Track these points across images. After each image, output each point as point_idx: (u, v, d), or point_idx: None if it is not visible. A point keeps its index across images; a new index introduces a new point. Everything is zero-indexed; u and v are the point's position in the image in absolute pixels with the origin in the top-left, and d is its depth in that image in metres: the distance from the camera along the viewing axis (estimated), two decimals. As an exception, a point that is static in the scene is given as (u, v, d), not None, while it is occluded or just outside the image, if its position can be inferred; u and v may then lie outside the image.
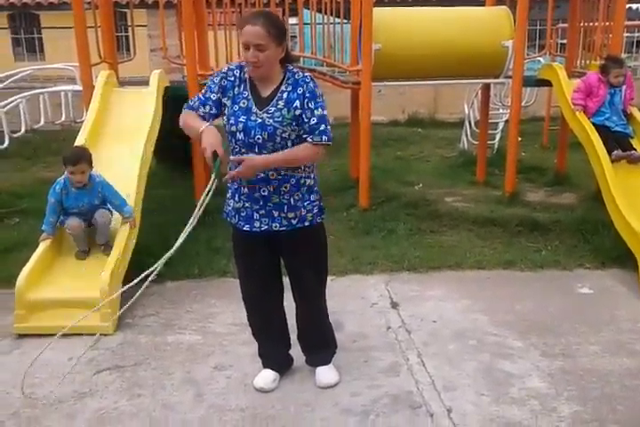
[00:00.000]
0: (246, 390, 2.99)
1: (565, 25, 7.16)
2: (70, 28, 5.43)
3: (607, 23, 5.90)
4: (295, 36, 7.22)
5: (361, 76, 5.69)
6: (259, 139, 2.65)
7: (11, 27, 15.88)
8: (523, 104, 7.15)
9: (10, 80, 8.69)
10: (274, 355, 3.10)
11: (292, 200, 2.76)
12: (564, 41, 7.02)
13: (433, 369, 3.17)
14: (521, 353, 3.33)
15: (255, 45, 2.56)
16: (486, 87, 7.02)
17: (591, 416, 2.77)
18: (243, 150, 2.69)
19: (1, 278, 4.25)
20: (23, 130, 8.28)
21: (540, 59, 8.01)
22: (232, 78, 2.72)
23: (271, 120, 2.64)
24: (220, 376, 3.13)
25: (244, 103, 2.69)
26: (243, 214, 2.80)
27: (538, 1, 13.31)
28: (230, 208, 2.86)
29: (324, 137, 2.67)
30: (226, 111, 2.72)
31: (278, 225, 2.78)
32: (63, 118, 8.71)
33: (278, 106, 2.66)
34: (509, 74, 6.05)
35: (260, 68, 2.62)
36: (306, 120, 2.66)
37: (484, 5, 6.78)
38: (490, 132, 7.63)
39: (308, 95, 2.66)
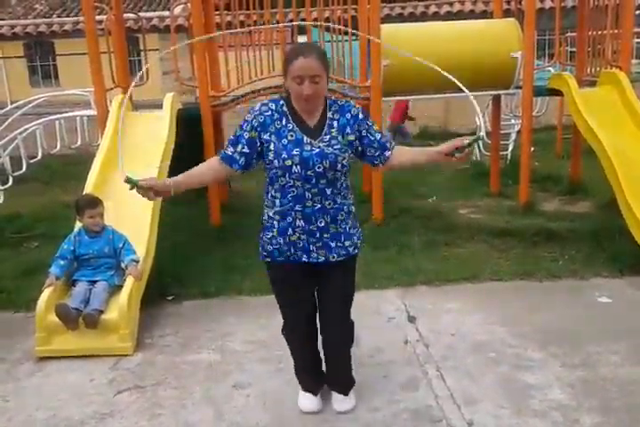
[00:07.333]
0: (265, 408, 2.99)
1: (574, 34, 7.17)
2: (84, 54, 5.56)
3: (616, 30, 5.90)
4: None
5: (371, 92, 5.74)
6: (319, 168, 2.56)
7: (26, 55, 16.23)
8: (534, 114, 7.15)
9: (27, 107, 8.87)
10: (315, 381, 3.03)
11: (347, 228, 2.71)
12: (575, 49, 7.01)
13: (452, 383, 3.15)
14: (541, 364, 3.30)
15: (311, 77, 2.48)
16: (497, 98, 7.04)
17: (614, 427, 2.74)
18: (298, 184, 2.59)
19: (21, 302, 4.31)
20: (40, 155, 8.42)
21: (550, 68, 8.01)
22: (269, 113, 2.61)
23: (330, 148, 2.57)
24: (240, 395, 3.13)
25: (291, 136, 2.58)
26: (299, 246, 2.68)
27: (546, 11, 13.39)
28: (281, 244, 2.69)
29: (392, 143, 2.75)
30: (272, 147, 2.58)
31: (336, 256, 2.70)
32: (79, 143, 8.85)
33: (332, 133, 2.61)
34: (520, 84, 6.07)
35: (316, 99, 2.56)
36: (373, 138, 2.67)
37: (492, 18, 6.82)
38: (502, 142, 7.62)
39: (360, 116, 2.65)
